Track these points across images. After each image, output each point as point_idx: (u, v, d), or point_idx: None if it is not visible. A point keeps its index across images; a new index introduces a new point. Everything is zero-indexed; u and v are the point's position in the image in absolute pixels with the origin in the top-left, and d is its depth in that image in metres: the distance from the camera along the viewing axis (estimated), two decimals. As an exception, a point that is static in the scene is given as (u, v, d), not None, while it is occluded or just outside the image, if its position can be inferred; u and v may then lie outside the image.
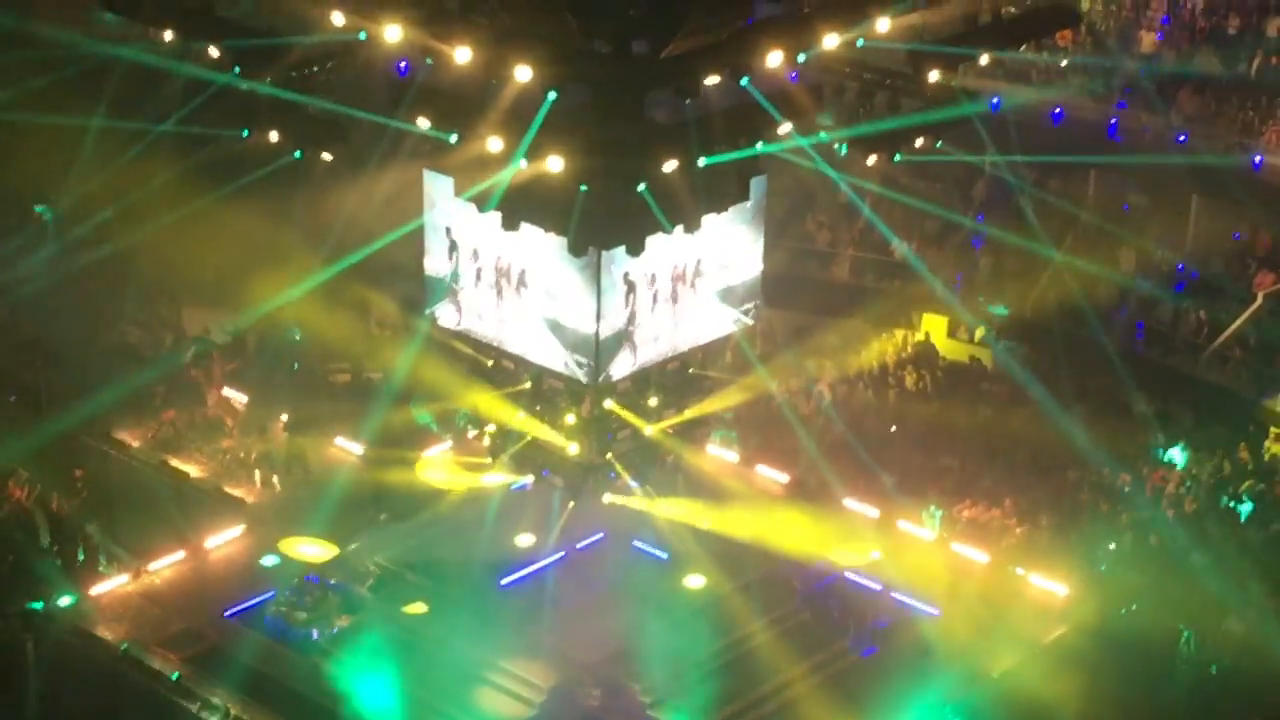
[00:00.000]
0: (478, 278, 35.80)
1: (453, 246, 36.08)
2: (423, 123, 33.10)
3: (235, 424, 41.76)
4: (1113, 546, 37.08)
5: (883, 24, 32.95)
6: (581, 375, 34.75)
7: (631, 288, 34.20)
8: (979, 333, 43.83)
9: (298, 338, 44.51)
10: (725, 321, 36.28)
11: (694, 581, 36.61)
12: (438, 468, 40.54)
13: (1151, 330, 43.12)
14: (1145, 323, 43.25)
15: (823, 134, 33.98)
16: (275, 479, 40.15)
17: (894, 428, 41.58)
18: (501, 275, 35.29)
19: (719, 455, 41.32)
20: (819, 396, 41.85)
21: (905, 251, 45.78)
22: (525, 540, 37.95)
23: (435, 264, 36.43)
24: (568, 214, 31.89)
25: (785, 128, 33.04)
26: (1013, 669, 34.13)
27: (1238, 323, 42.48)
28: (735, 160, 33.35)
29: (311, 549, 37.47)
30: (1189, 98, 45.28)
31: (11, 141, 43.26)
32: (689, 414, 38.84)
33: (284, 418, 41.48)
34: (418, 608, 35.88)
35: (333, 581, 36.24)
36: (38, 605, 35.23)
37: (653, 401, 36.74)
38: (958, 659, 33.87)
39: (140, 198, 44.74)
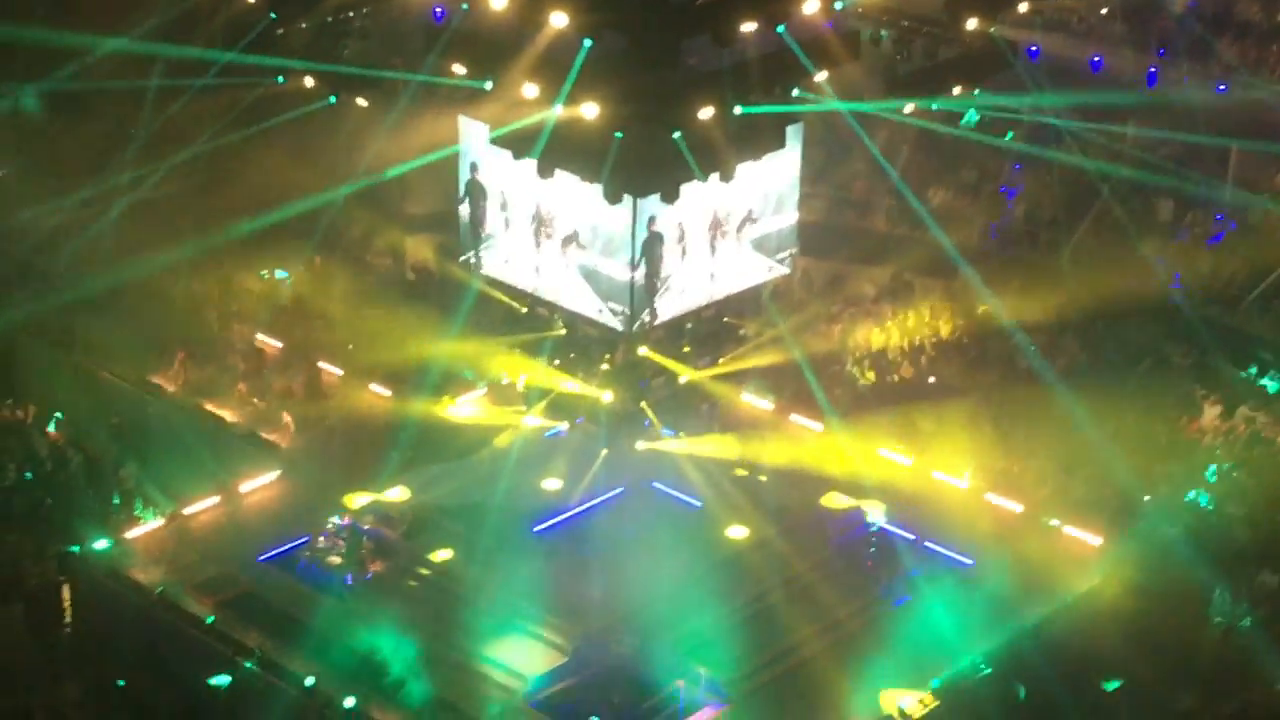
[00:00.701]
0: (512, 225, 35.79)
1: (487, 194, 36.07)
2: (458, 69, 33.09)
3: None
4: (1148, 499, 36.94)
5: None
6: (616, 323, 34.75)
7: (666, 235, 34.15)
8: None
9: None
10: (761, 270, 36.22)
11: (735, 532, 36.54)
12: (472, 410, 40.54)
13: (1187, 280, 42.86)
14: (1181, 274, 43.02)
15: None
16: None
17: (932, 379, 41.41)
18: (536, 222, 35.28)
19: (753, 403, 41.22)
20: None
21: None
22: (552, 484, 37.95)
23: (470, 211, 36.43)
24: (603, 161, 31.84)
25: (822, 75, 32.99)
26: (1046, 619, 34.08)
27: (1275, 275, 42.23)
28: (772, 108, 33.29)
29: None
30: (1229, 46, 44.95)
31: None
32: (723, 365, 38.98)
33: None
34: (444, 555, 35.89)
35: (366, 527, 36.29)
36: (74, 549, 35.39)
37: (686, 349, 36.74)
38: (991, 609, 33.81)
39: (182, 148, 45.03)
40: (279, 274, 45.16)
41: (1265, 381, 40.11)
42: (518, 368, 40.87)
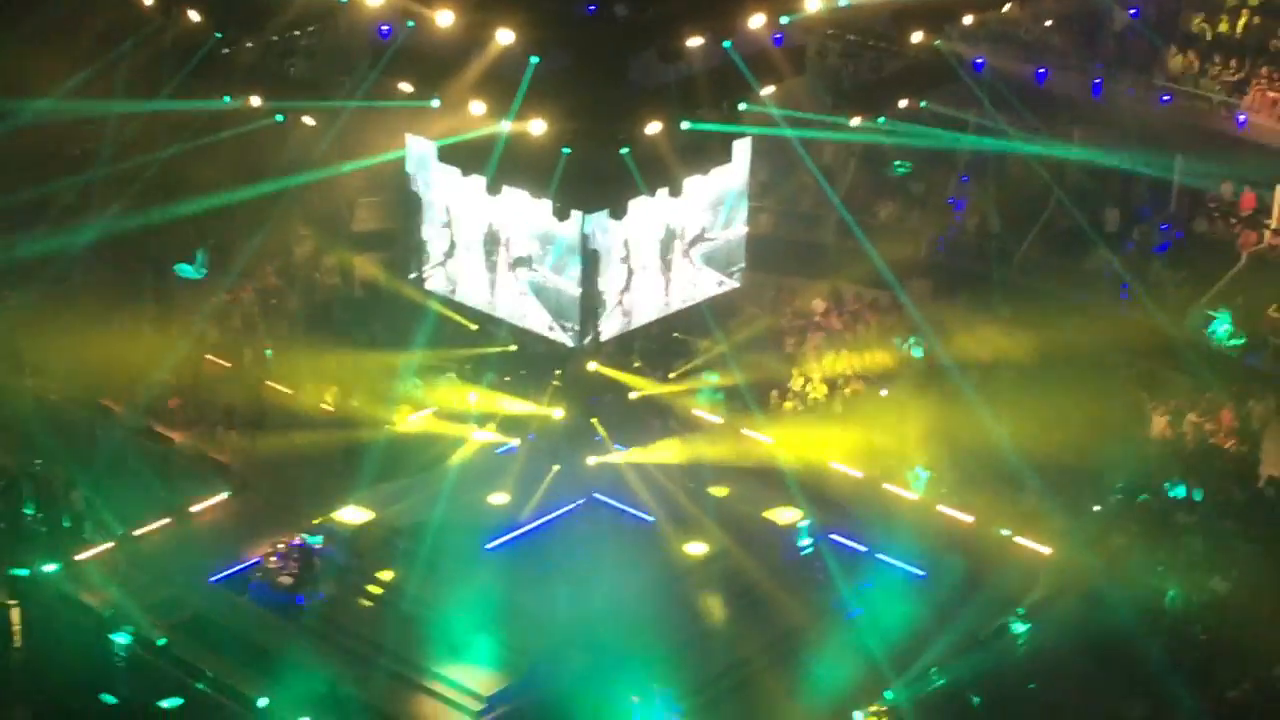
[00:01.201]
0: (461, 243, 35.76)
1: (436, 211, 36.03)
2: (404, 87, 33.07)
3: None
4: (1097, 509, 37.14)
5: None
6: (566, 339, 34.75)
7: (615, 251, 34.18)
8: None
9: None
10: (710, 284, 36.27)
11: (689, 547, 36.53)
12: (424, 427, 40.47)
13: (1136, 289, 43.06)
14: (1129, 283, 43.22)
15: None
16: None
17: (884, 391, 41.47)
18: (485, 239, 35.26)
19: (705, 418, 41.28)
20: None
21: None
22: (499, 499, 37.89)
23: (418, 229, 36.39)
24: (551, 178, 31.85)
25: (768, 90, 33.11)
26: (997, 630, 34.18)
27: (1221, 282, 42.47)
28: (720, 121, 33.35)
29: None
30: (1173, 57, 45.22)
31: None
32: (674, 379, 39.04)
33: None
34: (396, 574, 35.77)
35: (318, 546, 36.18)
36: (23, 571, 35.17)
37: (636, 364, 36.75)
38: (943, 620, 33.89)
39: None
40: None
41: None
42: (467, 385, 40.91)
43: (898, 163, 47.28)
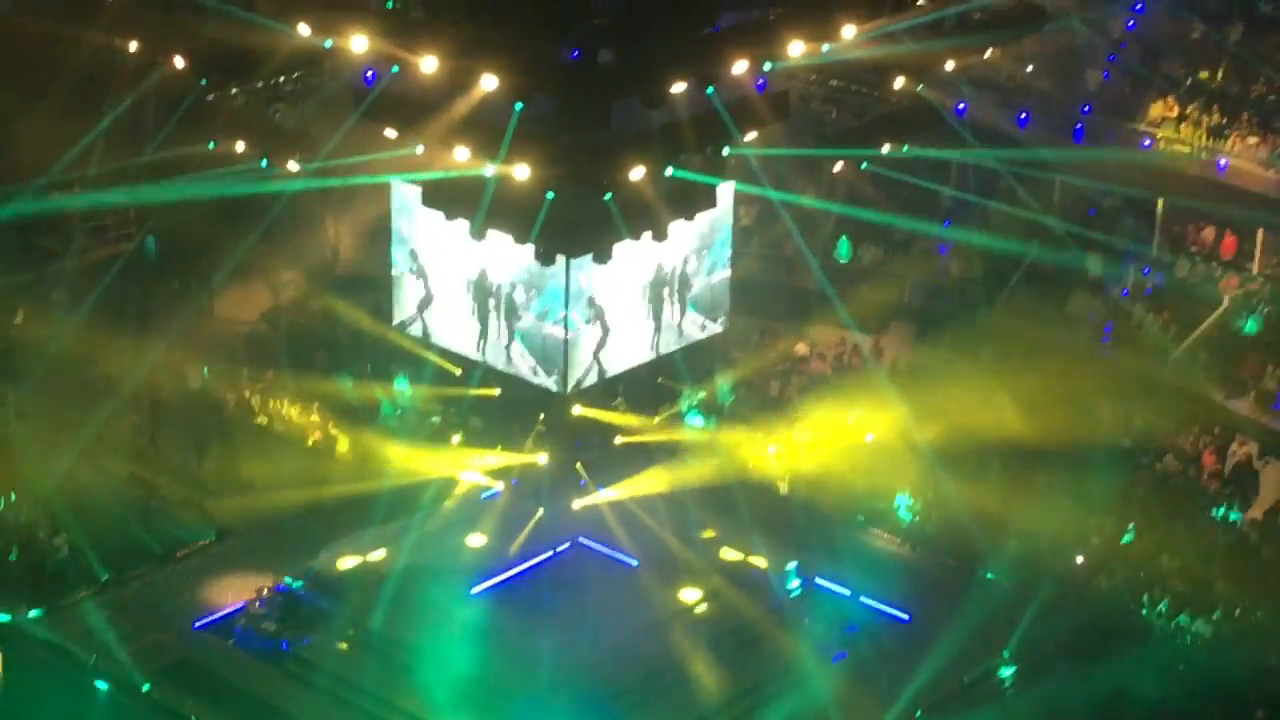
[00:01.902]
0: (445, 287, 35.80)
1: (419, 256, 36.09)
2: (389, 132, 33.16)
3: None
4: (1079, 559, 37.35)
5: (848, 31, 32.96)
6: (550, 384, 34.77)
7: (599, 297, 34.24)
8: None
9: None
10: (694, 329, 36.33)
11: (672, 591, 36.54)
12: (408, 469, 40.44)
13: (1119, 332, 43.19)
14: (1114, 324, 43.33)
15: None
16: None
17: (870, 436, 41.48)
18: (469, 284, 35.29)
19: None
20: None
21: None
22: (476, 540, 37.89)
23: (403, 274, 36.43)
24: (535, 223, 31.91)
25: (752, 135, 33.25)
26: (982, 673, 34.23)
27: (1205, 325, 42.60)
28: (702, 168, 33.45)
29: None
30: (1154, 103, 45.42)
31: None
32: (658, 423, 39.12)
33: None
34: (380, 619, 35.72)
35: (302, 592, 36.14)
36: (6, 618, 35.10)
37: (620, 409, 36.79)
38: (928, 663, 33.91)
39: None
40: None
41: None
42: (450, 429, 41.00)
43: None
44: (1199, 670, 34.17)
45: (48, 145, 41.60)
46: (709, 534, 38.46)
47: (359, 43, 31.93)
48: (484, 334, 35.44)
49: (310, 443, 40.84)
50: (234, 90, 35.02)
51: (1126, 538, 37.66)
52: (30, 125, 42.34)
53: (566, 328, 33.93)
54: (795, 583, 36.94)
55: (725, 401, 42.71)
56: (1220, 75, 45.43)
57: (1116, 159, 44.16)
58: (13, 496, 38.38)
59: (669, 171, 32.14)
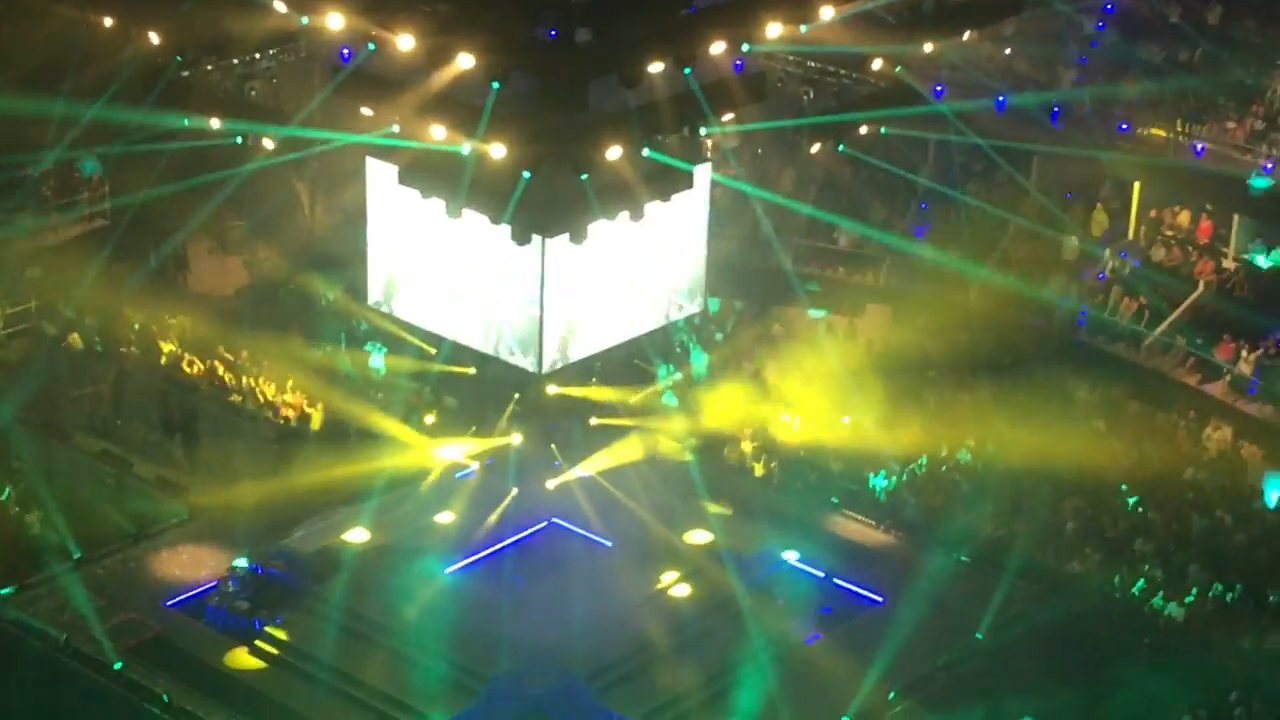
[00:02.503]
0: (421, 266, 35.71)
1: (395, 234, 35.98)
2: (365, 110, 33.09)
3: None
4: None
5: (827, 12, 32.95)
6: (526, 364, 34.71)
7: (574, 277, 34.16)
8: None
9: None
10: (671, 309, 36.29)
11: (649, 572, 36.52)
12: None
13: (1094, 318, 43.19)
14: (1088, 309, 43.34)
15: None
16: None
17: (846, 419, 41.42)
18: (444, 263, 35.19)
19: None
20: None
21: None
22: (445, 518, 37.86)
23: (378, 252, 36.33)
24: (511, 202, 31.85)
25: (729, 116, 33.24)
26: (956, 656, 34.28)
27: (1179, 310, 42.63)
28: (679, 149, 33.43)
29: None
30: (1131, 87, 45.38)
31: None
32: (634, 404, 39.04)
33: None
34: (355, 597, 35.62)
35: (275, 571, 36.06)
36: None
37: (595, 389, 36.76)
38: (902, 645, 33.94)
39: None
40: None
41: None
42: (426, 409, 40.90)
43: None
44: (1174, 653, 34.24)
45: (11, 122, 41.40)
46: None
47: (335, 20, 31.85)
48: (459, 313, 35.35)
49: (284, 420, 40.66)
50: (209, 66, 34.95)
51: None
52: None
53: (542, 308, 33.85)
54: (765, 565, 36.93)
55: (700, 380, 42.63)
56: (1197, 58, 45.39)
57: (1093, 142, 44.17)
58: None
59: (645, 152, 32.09)
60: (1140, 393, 41.71)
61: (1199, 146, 43.58)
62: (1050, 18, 45.35)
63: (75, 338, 42.59)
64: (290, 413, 40.73)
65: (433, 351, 39.64)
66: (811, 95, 36.15)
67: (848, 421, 41.09)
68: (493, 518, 37.80)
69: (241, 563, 36.03)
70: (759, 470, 40.14)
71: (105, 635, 34.14)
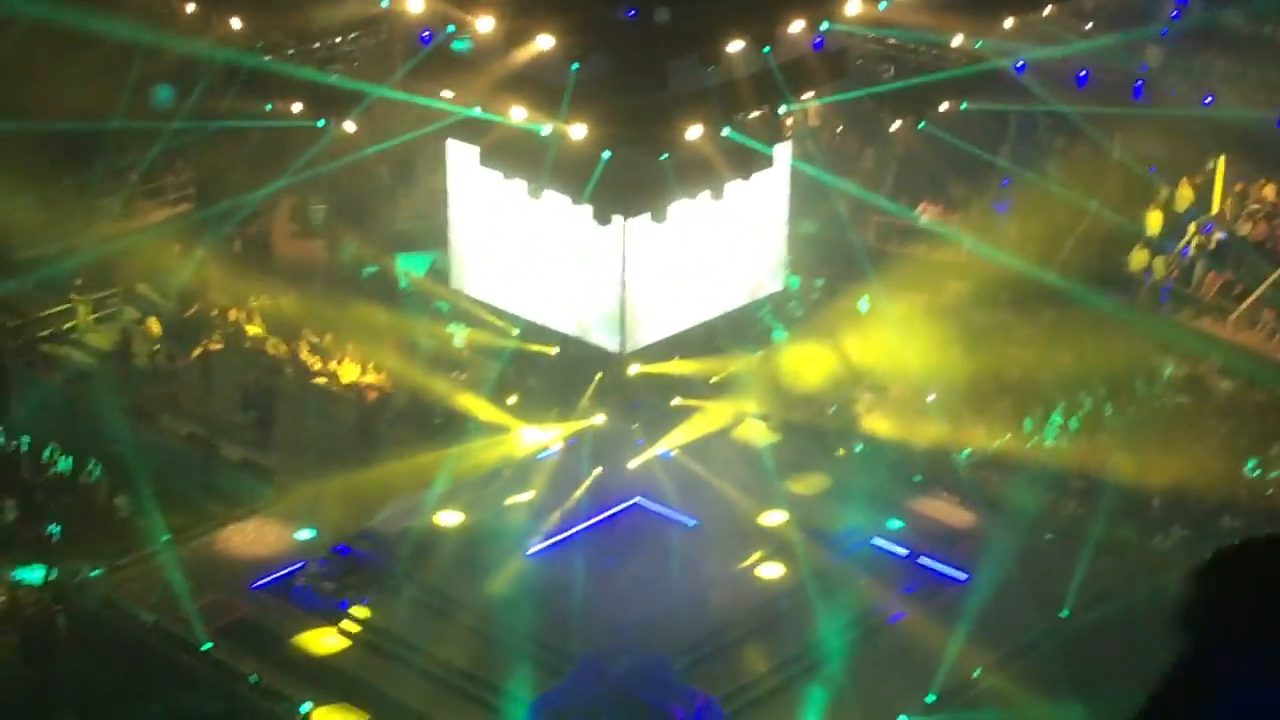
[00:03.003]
0: (502, 247, 35.83)
1: (477, 215, 36.11)
2: (445, 94, 33.18)
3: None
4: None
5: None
6: (608, 343, 34.78)
7: (656, 256, 34.20)
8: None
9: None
10: (751, 288, 36.28)
11: (732, 551, 36.49)
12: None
13: (1177, 293, 42.88)
14: (1172, 285, 43.02)
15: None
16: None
17: (931, 396, 41.22)
18: (526, 244, 35.30)
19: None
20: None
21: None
22: (528, 498, 37.95)
23: (460, 234, 36.47)
24: (592, 182, 31.92)
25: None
26: (1040, 637, 34.12)
27: (1265, 285, 42.25)
28: (759, 128, 33.37)
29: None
30: (1215, 58, 44.99)
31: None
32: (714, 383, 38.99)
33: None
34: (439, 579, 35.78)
35: (361, 551, 36.26)
36: (38, 576, 35.25)
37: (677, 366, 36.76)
38: (986, 625, 33.81)
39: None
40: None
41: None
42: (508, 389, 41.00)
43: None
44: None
45: (95, 100, 41.67)
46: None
47: (415, 3, 31.95)
48: (541, 293, 35.45)
49: (370, 400, 40.90)
50: (290, 51, 35.14)
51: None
52: (78, 84, 42.21)
53: (623, 287, 33.91)
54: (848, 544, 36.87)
55: (781, 357, 42.31)
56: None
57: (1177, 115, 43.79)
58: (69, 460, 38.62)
59: (725, 132, 32.07)
60: (1227, 369, 41.35)
61: (1284, 118, 43.17)
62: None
63: (154, 322, 42.93)
64: (374, 395, 40.96)
65: (514, 332, 39.75)
66: (892, 72, 36.00)
67: (932, 399, 40.94)
68: (576, 497, 37.87)
69: (329, 544, 36.27)
70: (841, 451, 40.02)
71: (193, 616, 34.43)
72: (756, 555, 36.56)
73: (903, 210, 46.05)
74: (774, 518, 37.68)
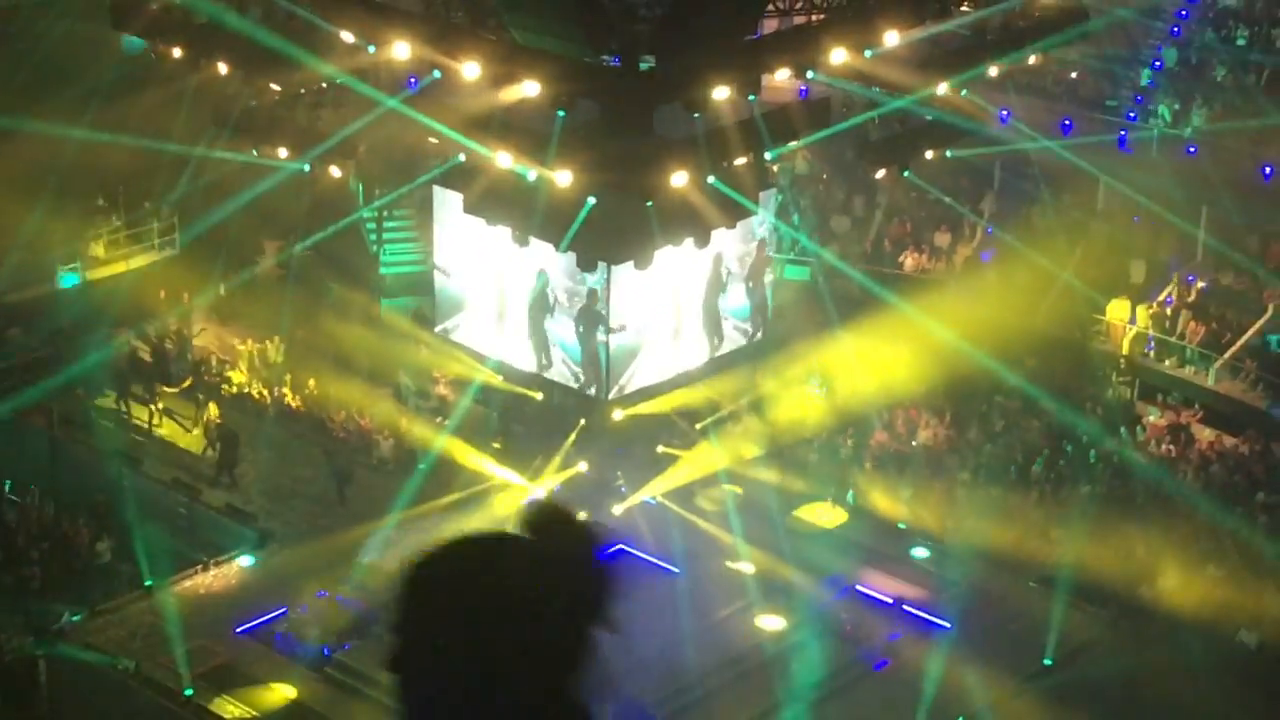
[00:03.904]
0: (486, 294, 35.86)
1: (461, 262, 36.15)
2: (432, 139, 33.27)
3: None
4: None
5: (891, 37, 32.94)
6: (591, 390, 34.79)
7: (640, 303, 34.23)
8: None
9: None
10: (736, 335, 36.32)
11: (717, 601, 36.37)
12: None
13: (1161, 341, 42.93)
14: (1155, 334, 43.08)
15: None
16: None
17: (914, 442, 41.22)
18: (509, 290, 35.33)
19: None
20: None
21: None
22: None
23: (445, 280, 36.50)
24: (578, 229, 31.97)
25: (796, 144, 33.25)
26: (1024, 684, 34.10)
27: (1249, 333, 42.32)
28: (745, 175, 33.45)
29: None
30: (1198, 110, 45.18)
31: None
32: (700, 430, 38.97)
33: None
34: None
35: (343, 597, 36.15)
36: (51, 622, 35.20)
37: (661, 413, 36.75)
38: (970, 672, 33.78)
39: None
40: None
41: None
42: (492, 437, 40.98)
43: None
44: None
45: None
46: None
47: (402, 49, 32.02)
48: (527, 340, 35.47)
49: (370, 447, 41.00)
50: (277, 96, 35.23)
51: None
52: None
53: (606, 333, 33.94)
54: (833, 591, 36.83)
55: (767, 403, 42.28)
56: (1264, 79, 45.13)
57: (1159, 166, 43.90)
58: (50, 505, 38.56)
59: (710, 180, 32.13)
60: (1210, 418, 41.36)
61: (1268, 169, 43.28)
62: (1118, 34, 45.23)
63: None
64: (345, 436, 41.03)
65: (498, 378, 39.72)
66: (876, 121, 36.12)
67: (916, 445, 40.98)
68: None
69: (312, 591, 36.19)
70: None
71: (175, 662, 34.30)
72: (740, 603, 36.47)
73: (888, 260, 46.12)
74: (758, 564, 37.60)
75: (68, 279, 44.04)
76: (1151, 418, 41.66)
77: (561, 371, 35.24)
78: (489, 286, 35.75)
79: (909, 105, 35.84)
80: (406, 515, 38.45)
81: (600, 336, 34.04)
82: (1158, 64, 46.17)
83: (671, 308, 34.92)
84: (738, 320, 36.29)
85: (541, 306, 35.07)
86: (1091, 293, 43.72)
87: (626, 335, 34.32)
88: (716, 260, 35.81)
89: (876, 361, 42.94)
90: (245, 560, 37.77)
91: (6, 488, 38.95)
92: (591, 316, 34.34)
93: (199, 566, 37.46)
